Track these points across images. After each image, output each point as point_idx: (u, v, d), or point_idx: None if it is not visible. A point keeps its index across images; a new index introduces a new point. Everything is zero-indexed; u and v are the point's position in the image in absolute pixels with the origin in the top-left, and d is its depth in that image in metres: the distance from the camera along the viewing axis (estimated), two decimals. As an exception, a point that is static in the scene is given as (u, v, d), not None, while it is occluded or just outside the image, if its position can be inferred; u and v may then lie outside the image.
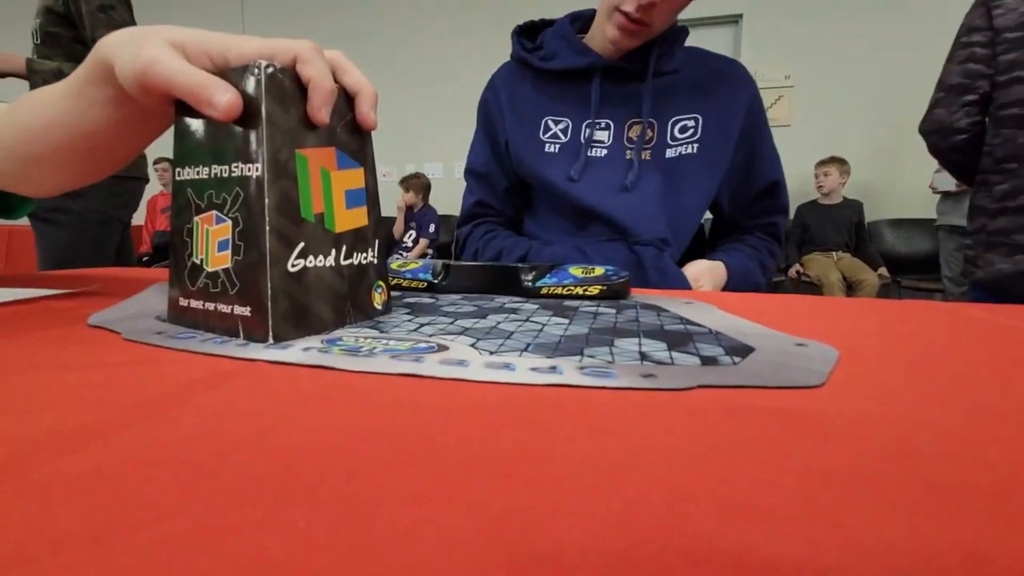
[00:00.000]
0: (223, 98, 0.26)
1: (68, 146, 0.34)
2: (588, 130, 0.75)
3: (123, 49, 0.28)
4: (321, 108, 0.28)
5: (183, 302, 0.30)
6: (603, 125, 0.75)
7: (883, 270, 2.78)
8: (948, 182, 2.24)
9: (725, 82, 0.73)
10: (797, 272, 2.90)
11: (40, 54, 1.33)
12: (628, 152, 0.74)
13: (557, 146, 0.77)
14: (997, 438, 0.16)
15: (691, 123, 0.72)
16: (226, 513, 0.11)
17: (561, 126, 0.77)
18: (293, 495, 0.12)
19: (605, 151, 0.75)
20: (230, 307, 0.28)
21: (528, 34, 0.82)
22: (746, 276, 0.74)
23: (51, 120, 0.34)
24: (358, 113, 0.32)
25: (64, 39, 1.31)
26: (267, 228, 0.26)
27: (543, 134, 0.78)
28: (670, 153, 0.73)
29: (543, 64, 0.76)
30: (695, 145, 0.72)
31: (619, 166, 0.74)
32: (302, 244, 0.28)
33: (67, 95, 0.33)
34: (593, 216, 0.74)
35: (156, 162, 3.49)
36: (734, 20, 3.29)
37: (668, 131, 0.73)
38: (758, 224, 0.80)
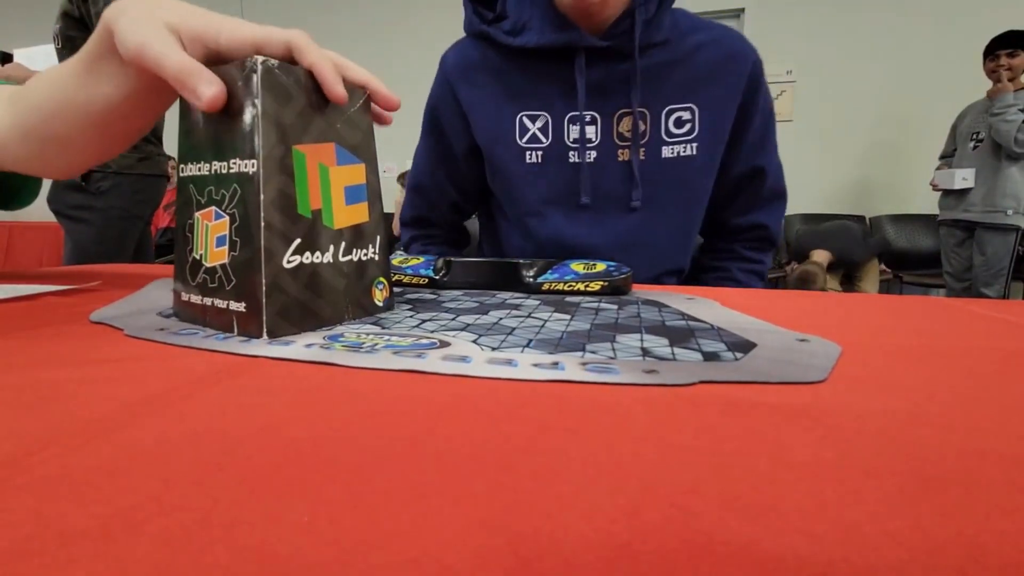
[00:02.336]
0: (208, 90, 0.26)
1: (82, 123, 0.35)
2: (571, 126, 0.62)
3: (121, 18, 0.29)
4: (334, 85, 0.29)
5: (184, 296, 0.30)
6: (588, 119, 0.62)
7: (882, 265, 2.77)
8: (950, 180, 2.23)
9: (721, 60, 0.62)
10: (793, 269, 2.88)
11: (62, 58, 1.37)
12: (621, 153, 0.62)
13: (539, 153, 0.63)
14: (998, 432, 0.16)
15: (687, 115, 0.61)
16: (230, 508, 0.12)
17: (539, 123, 0.63)
18: (297, 490, 0.12)
19: (595, 153, 0.62)
20: (226, 303, 0.28)
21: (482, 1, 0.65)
22: None
23: (64, 99, 0.34)
24: (377, 99, 0.33)
25: (81, 42, 1.35)
26: (262, 224, 0.26)
27: (520, 138, 0.63)
28: (667, 152, 0.62)
29: (512, 41, 0.61)
30: (694, 145, 0.61)
31: (615, 177, 0.62)
32: (299, 240, 0.28)
33: (78, 71, 0.33)
34: (588, 254, 0.63)
35: None
36: (736, 14, 3.28)
37: (662, 124, 0.61)
38: (743, 229, 0.69)
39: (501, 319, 0.33)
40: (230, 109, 0.27)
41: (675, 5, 0.62)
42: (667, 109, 0.61)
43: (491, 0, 0.64)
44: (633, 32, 0.58)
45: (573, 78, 0.61)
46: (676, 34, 0.61)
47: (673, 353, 0.25)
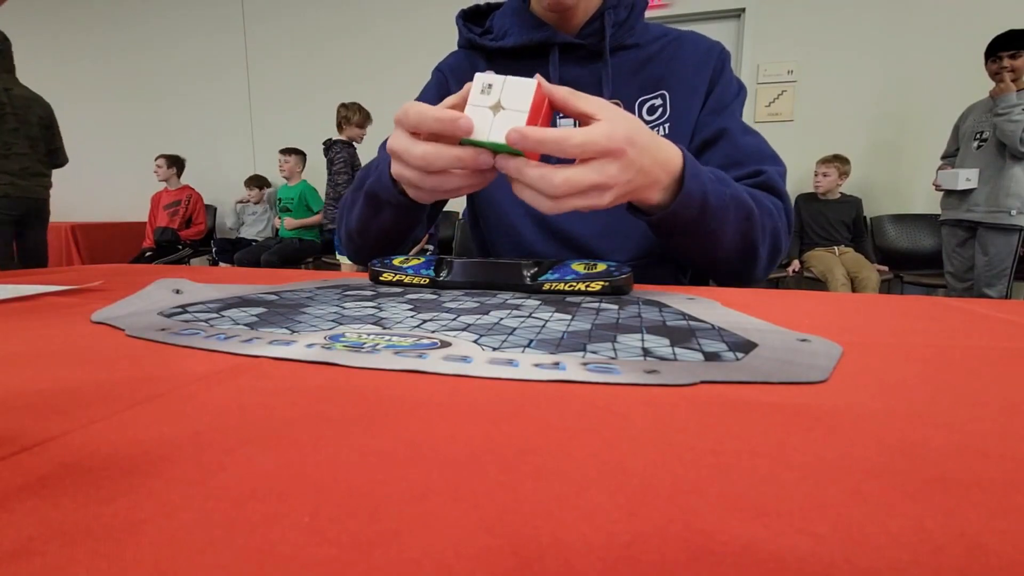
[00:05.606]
0: None
1: None
2: (557, 120, 0.67)
3: None
4: None
5: None
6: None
7: (879, 267, 2.76)
8: (954, 181, 2.22)
9: (689, 50, 0.68)
10: (795, 271, 2.86)
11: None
12: None
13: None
14: (999, 432, 0.16)
15: (658, 102, 0.67)
16: (232, 508, 0.12)
17: None
18: (298, 490, 0.12)
19: None
20: None
21: (474, 20, 0.75)
22: (721, 182, 0.51)
23: None
24: None
25: None
26: None
27: None
28: None
29: (495, 44, 0.69)
30: (666, 126, 0.66)
31: None
32: None
33: None
34: (562, 237, 0.67)
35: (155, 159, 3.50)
36: (736, 14, 3.27)
37: (636, 114, 0.66)
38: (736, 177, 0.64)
39: (502, 319, 0.33)
40: None
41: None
42: (640, 100, 0.68)
43: (480, 19, 0.74)
44: (604, 32, 0.65)
45: (549, 75, 0.67)
46: (646, 38, 0.69)
47: (674, 353, 0.25)
